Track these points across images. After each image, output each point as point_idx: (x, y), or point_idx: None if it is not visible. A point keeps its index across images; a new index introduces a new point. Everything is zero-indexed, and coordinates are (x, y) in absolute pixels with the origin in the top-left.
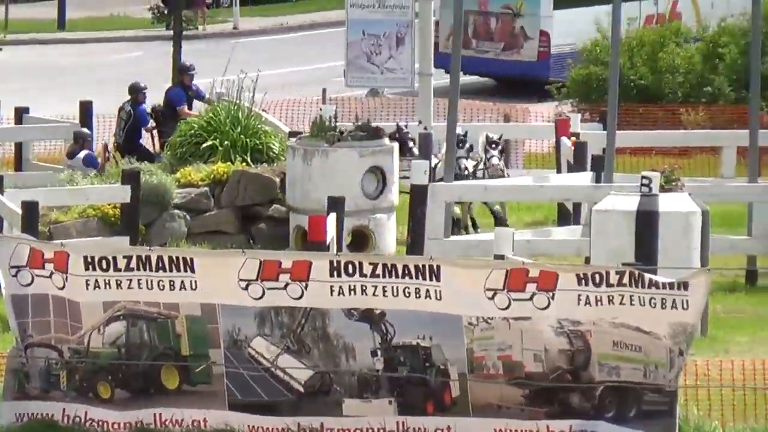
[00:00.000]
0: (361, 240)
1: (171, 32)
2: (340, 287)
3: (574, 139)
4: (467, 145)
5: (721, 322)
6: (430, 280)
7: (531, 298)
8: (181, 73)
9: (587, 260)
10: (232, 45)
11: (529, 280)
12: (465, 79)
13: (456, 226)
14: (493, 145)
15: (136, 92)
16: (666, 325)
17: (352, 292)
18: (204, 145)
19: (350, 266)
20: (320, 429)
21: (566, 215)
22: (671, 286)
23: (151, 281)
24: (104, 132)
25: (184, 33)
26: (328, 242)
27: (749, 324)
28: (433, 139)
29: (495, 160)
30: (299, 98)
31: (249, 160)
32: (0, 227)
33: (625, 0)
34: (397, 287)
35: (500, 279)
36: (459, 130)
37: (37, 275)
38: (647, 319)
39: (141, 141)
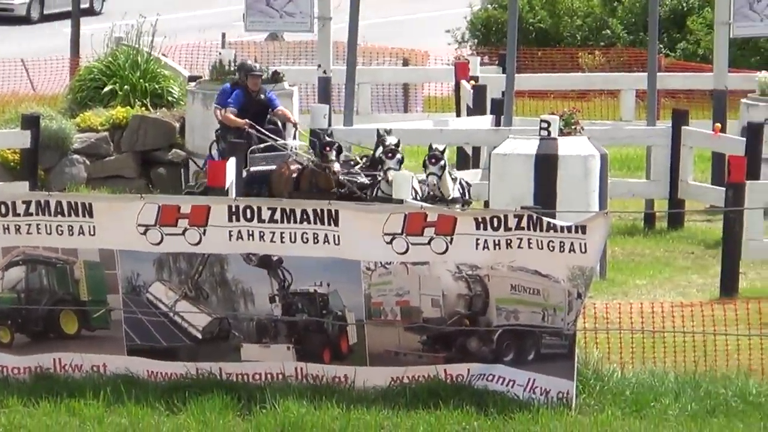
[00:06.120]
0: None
1: None
2: (239, 232)
3: (473, 82)
4: (399, 156)
5: (619, 265)
6: (329, 225)
7: (429, 243)
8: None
9: (486, 204)
10: None
11: (427, 225)
12: (365, 22)
13: None
14: (433, 160)
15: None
16: (564, 269)
17: (251, 238)
18: (104, 89)
19: (248, 211)
20: (219, 374)
21: (466, 159)
22: (569, 229)
23: (50, 226)
24: (3, 77)
25: None
26: (227, 187)
27: (647, 267)
28: (332, 83)
29: (433, 179)
30: (199, 43)
31: (149, 104)
32: None
33: None
34: (295, 232)
35: (398, 223)
36: (392, 139)
37: None
38: (546, 262)
39: None
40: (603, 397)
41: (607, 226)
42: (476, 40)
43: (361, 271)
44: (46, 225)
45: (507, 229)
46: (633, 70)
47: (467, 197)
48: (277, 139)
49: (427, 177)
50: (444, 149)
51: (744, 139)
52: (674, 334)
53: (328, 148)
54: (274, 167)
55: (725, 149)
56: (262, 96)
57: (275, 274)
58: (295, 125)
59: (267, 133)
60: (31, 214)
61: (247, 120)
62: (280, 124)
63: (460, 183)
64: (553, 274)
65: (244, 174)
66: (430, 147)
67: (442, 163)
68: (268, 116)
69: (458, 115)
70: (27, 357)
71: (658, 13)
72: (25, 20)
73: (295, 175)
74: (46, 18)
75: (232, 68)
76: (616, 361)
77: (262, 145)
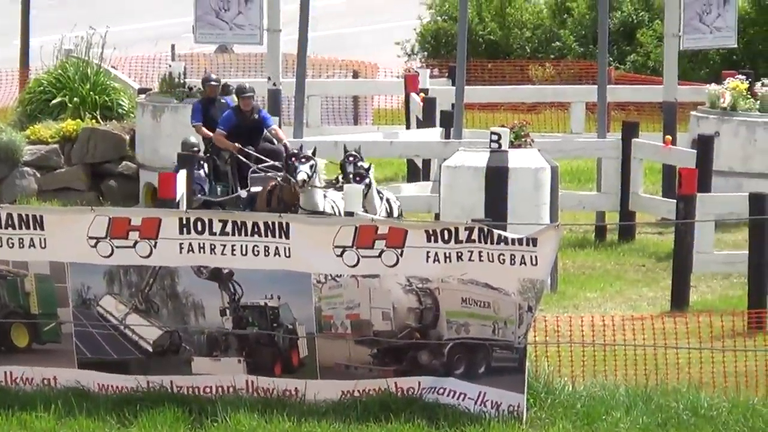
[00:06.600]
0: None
1: None
2: (190, 245)
3: (423, 95)
4: (313, 162)
5: (570, 278)
6: (280, 237)
7: (380, 255)
8: (236, 94)
9: (437, 216)
10: (81, 1)
11: (378, 237)
12: (314, 34)
13: None
14: (358, 179)
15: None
16: (515, 281)
17: (202, 250)
18: (53, 101)
19: (199, 223)
20: (170, 387)
21: (416, 171)
22: (520, 242)
23: (1, 239)
24: None
25: None
26: (177, 199)
27: (598, 279)
28: (282, 96)
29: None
30: (148, 55)
31: (98, 117)
32: None
33: None
34: (246, 245)
35: (349, 236)
36: (309, 150)
37: None
38: (496, 275)
39: None
40: (554, 411)
41: (558, 239)
42: (426, 53)
43: (311, 283)
44: None
45: (458, 241)
46: (583, 82)
47: (395, 217)
48: (270, 162)
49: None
50: (369, 167)
51: (694, 151)
52: (625, 347)
53: (293, 159)
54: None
55: (676, 161)
56: (256, 116)
57: (226, 287)
58: (285, 146)
59: (257, 155)
60: None
61: (236, 144)
62: (276, 142)
63: (387, 202)
64: (503, 286)
65: (245, 194)
66: (355, 165)
67: (367, 181)
68: (264, 134)
69: (408, 127)
70: None
71: (608, 25)
72: None
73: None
74: None
75: (181, 80)
76: (567, 374)
77: (261, 165)
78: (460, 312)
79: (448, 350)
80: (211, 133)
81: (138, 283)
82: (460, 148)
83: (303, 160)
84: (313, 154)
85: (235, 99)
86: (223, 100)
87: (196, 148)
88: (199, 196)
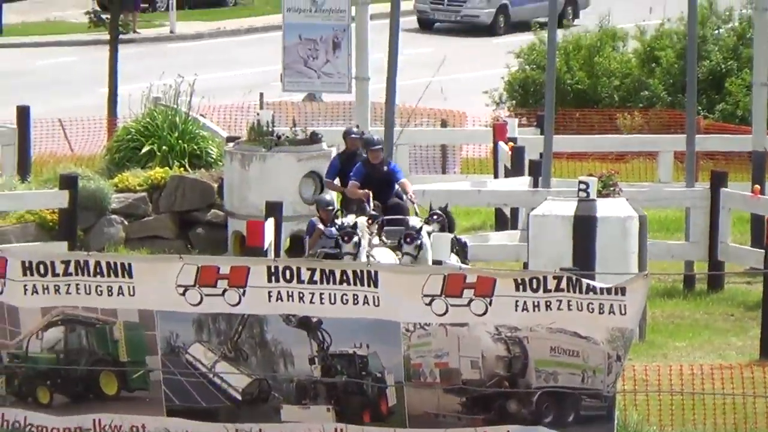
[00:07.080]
0: (299, 245)
1: (107, 36)
2: (278, 293)
3: (511, 143)
4: (356, 239)
5: (659, 327)
6: (368, 286)
7: (468, 304)
8: (364, 147)
9: (525, 265)
10: (169, 49)
11: (467, 286)
12: (403, 82)
13: None
14: (408, 239)
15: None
16: (604, 330)
17: (290, 299)
18: (142, 150)
19: (288, 272)
20: None
21: (504, 220)
22: (609, 291)
23: (89, 286)
24: (41, 137)
25: (120, 37)
26: (266, 247)
27: (687, 329)
28: None
29: (407, 260)
30: (237, 103)
31: (187, 165)
32: None
33: None
34: (334, 294)
35: (438, 285)
36: (349, 218)
37: None
38: (585, 324)
39: None
40: None
41: (647, 288)
42: (514, 101)
43: (400, 332)
44: (85, 285)
45: (546, 290)
46: (672, 131)
47: None
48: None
49: (401, 257)
50: (420, 228)
51: None
52: (714, 396)
53: (346, 239)
54: None
55: (764, 211)
56: (385, 168)
57: (314, 335)
58: (411, 200)
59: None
60: (71, 274)
61: (366, 191)
62: (405, 197)
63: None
64: (592, 335)
65: None
66: (407, 225)
67: (417, 242)
68: (396, 188)
69: (496, 176)
70: (66, 417)
71: (697, 74)
72: None
73: None
74: None
75: (270, 128)
76: (656, 423)
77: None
78: (548, 361)
79: (537, 399)
80: (343, 188)
81: (227, 331)
82: (548, 197)
83: (345, 239)
84: (353, 227)
85: (325, 147)
86: (364, 155)
87: (330, 207)
88: (324, 249)
